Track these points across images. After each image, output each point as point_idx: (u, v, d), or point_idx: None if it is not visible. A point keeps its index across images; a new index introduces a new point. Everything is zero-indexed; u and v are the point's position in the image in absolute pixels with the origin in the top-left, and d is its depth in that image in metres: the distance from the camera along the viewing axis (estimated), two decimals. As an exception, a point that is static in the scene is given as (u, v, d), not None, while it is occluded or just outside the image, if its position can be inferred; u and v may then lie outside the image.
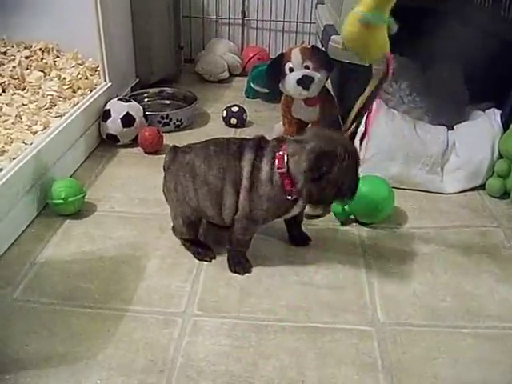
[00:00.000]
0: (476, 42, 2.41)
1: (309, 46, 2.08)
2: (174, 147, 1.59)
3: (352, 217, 1.78)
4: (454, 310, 1.43)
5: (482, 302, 1.45)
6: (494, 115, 2.13)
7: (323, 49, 2.15)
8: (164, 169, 1.59)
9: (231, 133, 2.40)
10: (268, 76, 2.12)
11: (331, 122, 2.12)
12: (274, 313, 1.40)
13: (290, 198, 1.44)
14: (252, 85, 2.73)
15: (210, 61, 3.01)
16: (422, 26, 2.75)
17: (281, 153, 1.43)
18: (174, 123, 2.38)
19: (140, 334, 1.32)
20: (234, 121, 2.44)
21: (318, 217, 1.80)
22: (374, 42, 1.45)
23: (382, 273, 1.54)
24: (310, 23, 3.16)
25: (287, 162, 1.42)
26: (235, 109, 2.45)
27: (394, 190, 1.79)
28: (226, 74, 3.04)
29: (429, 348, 1.31)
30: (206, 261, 1.58)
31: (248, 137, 1.55)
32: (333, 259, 1.60)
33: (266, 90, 2.68)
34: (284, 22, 3.22)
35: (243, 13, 3.21)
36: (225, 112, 2.46)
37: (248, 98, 2.80)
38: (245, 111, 2.46)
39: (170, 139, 2.27)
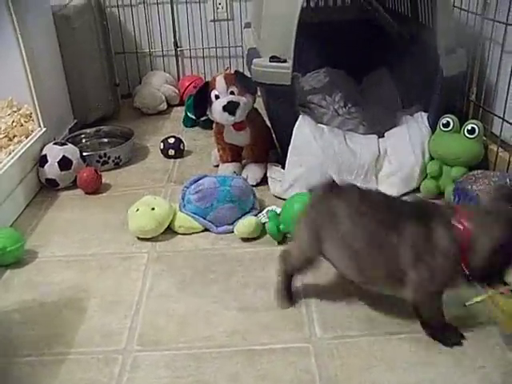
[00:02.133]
0: (402, 49, 2.48)
1: (232, 72, 2.11)
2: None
3: (289, 235, 1.79)
4: (388, 317, 1.45)
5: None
6: (422, 118, 2.18)
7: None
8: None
9: (170, 164, 2.42)
10: (195, 106, 2.15)
11: (264, 142, 2.16)
12: (212, 340, 1.41)
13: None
14: (189, 114, 2.76)
15: (147, 94, 3.04)
16: (351, 37, 2.82)
17: (464, 221, 1.27)
18: (113, 161, 2.39)
19: (80, 375, 1.32)
20: (171, 152, 2.46)
21: (254, 239, 1.81)
22: None
23: (319, 288, 1.56)
24: (242, 47, 3.19)
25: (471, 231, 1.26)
26: (172, 140, 2.47)
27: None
28: (164, 106, 3.07)
29: (366, 357, 1.33)
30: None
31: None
32: (271, 279, 1.61)
33: (203, 118, 2.70)
34: (216, 48, 3.26)
35: (176, 43, 3.24)
36: (162, 144, 2.48)
37: (186, 127, 2.83)
38: (182, 141, 2.49)
39: (109, 177, 2.29)
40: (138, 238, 1.85)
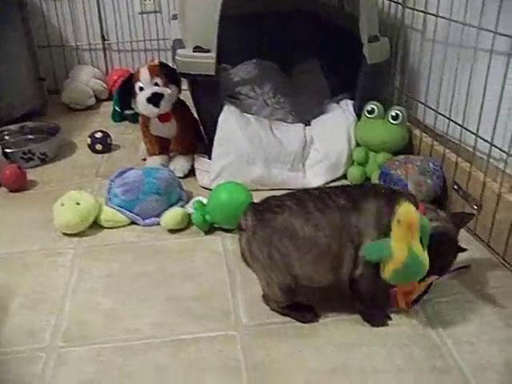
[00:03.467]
0: (330, 39, 2.50)
1: (157, 63, 2.09)
2: (254, 205, 1.38)
3: (216, 225, 1.79)
4: (315, 302, 1.46)
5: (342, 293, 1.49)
6: (347, 106, 2.21)
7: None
8: (243, 231, 1.36)
9: (98, 159, 2.39)
10: (120, 99, 2.13)
11: (190, 134, 2.15)
12: (139, 332, 1.40)
13: None
14: (117, 108, 2.73)
15: (75, 89, 2.99)
16: (279, 28, 2.83)
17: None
18: (39, 157, 2.34)
19: (1, 376, 1.29)
20: (99, 147, 2.43)
21: (181, 230, 1.81)
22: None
23: (245, 277, 1.55)
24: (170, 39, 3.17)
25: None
26: (99, 135, 2.44)
27: (257, 192, 1.81)
28: (92, 101, 3.02)
29: (292, 343, 1.34)
30: (314, 321, 1.41)
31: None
32: (198, 270, 1.62)
33: (132, 112, 2.67)
34: (144, 41, 3.22)
35: (103, 37, 3.20)
36: (89, 139, 2.45)
37: (115, 121, 2.78)
38: (109, 136, 2.45)
39: (35, 174, 2.24)
40: (64, 234, 1.82)
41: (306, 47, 2.82)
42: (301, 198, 1.35)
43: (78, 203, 1.81)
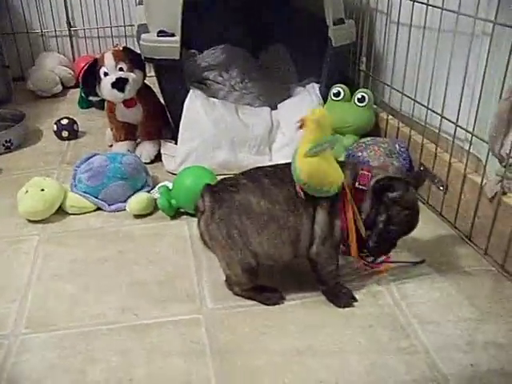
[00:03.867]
0: (296, 23, 2.49)
1: (121, 48, 2.07)
2: (210, 187, 1.36)
3: (182, 210, 1.78)
4: (280, 285, 1.46)
5: (308, 273, 1.49)
6: (314, 89, 2.20)
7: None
8: (201, 213, 1.35)
9: (64, 146, 2.36)
10: (84, 83, 2.10)
11: (156, 119, 2.13)
12: (102, 317, 1.39)
13: None
14: (83, 95, 2.70)
15: (41, 76, 2.96)
16: (247, 12, 2.81)
17: (365, 172, 1.33)
18: (4, 145, 2.31)
19: (-39, 363, 1.27)
20: (65, 133, 2.41)
21: (147, 215, 1.79)
22: (330, 167, 1.29)
23: (211, 261, 1.53)
24: (136, 25, 3.14)
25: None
26: (65, 121, 2.42)
27: (224, 176, 1.78)
28: (58, 88, 2.99)
29: (257, 325, 1.34)
30: (279, 303, 1.41)
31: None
32: (163, 254, 1.61)
33: (98, 98, 2.64)
34: (111, 27, 3.20)
35: (69, 23, 3.17)
36: (55, 126, 2.42)
37: (82, 108, 2.77)
38: (75, 122, 2.43)
39: (0, 162, 2.21)
40: (29, 221, 1.80)
41: (274, 31, 2.81)
42: (255, 175, 1.36)
43: (42, 189, 1.79)
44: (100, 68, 2.04)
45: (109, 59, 2.03)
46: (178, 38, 1.92)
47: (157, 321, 1.36)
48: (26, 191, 1.80)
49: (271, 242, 1.32)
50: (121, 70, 2.03)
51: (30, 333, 1.35)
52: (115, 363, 1.25)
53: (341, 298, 1.40)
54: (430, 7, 1.72)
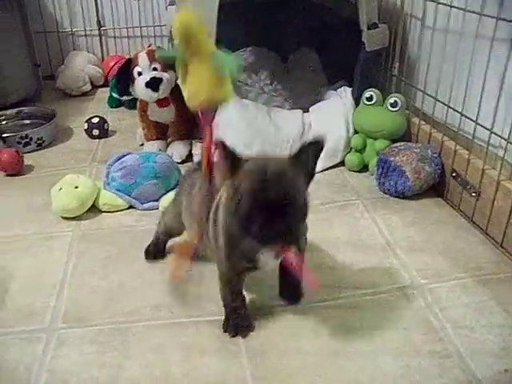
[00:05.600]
0: (327, 26, 2.50)
1: (155, 48, 2.09)
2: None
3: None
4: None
5: (341, 274, 1.50)
6: (345, 93, 2.21)
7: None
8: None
9: (95, 144, 2.38)
10: (118, 83, 2.12)
11: (188, 119, 2.14)
12: (137, 314, 1.40)
13: None
14: (113, 94, 2.72)
15: (70, 75, 2.98)
16: (276, 16, 2.82)
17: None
18: (36, 142, 2.34)
19: (2, 357, 1.28)
20: (96, 132, 2.42)
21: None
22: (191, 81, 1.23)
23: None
24: (166, 26, 3.15)
25: None
26: (96, 120, 2.43)
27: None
28: (88, 87, 3.01)
29: (291, 326, 1.34)
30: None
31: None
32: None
33: (128, 98, 2.67)
34: (141, 27, 3.21)
35: (99, 23, 3.19)
36: (86, 124, 2.44)
37: (111, 107, 2.79)
38: (106, 121, 2.45)
39: (32, 159, 2.24)
40: (62, 218, 1.82)
41: (303, 34, 2.81)
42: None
43: (76, 187, 1.81)
44: (134, 67, 2.06)
45: (143, 59, 2.05)
46: (212, 39, 1.92)
47: (192, 320, 1.37)
48: (60, 188, 1.81)
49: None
50: (155, 69, 2.04)
51: (67, 328, 1.36)
52: (152, 360, 1.26)
53: (233, 326, 1.33)
54: (467, 13, 1.71)
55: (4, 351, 1.30)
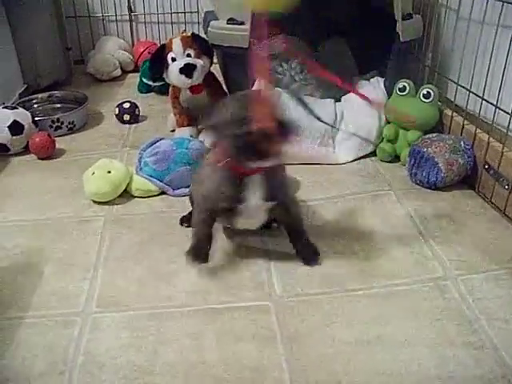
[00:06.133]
0: (359, 15, 2.48)
1: (189, 34, 2.09)
2: None
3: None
4: (347, 274, 1.47)
5: (374, 264, 1.50)
6: (378, 83, 2.20)
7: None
8: None
9: (125, 129, 2.39)
10: (151, 69, 2.13)
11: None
12: (172, 300, 1.41)
13: None
14: (144, 79, 2.73)
15: (101, 60, 2.99)
16: (307, 4, 2.80)
17: None
18: (67, 126, 2.35)
19: (38, 338, 1.30)
20: (127, 117, 2.43)
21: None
22: None
23: (278, 249, 1.57)
24: (198, 12, 3.16)
25: None
26: (127, 105, 2.44)
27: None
28: (118, 72, 3.02)
29: (325, 314, 1.35)
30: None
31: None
32: (227, 241, 1.63)
33: (158, 84, 2.67)
34: (171, 13, 3.21)
35: (130, 8, 3.19)
36: (117, 109, 2.45)
37: (141, 93, 2.80)
38: (137, 106, 2.46)
39: (63, 143, 2.25)
40: (94, 202, 1.83)
41: (333, 23, 2.79)
42: None
43: (109, 172, 1.82)
44: (168, 53, 2.06)
45: (177, 45, 2.05)
46: (247, 26, 1.93)
47: (227, 306, 1.38)
48: (93, 173, 1.82)
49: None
50: (188, 56, 2.05)
51: (102, 312, 1.38)
52: (187, 345, 1.27)
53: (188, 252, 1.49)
54: (505, 4, 1.69)
55: (40, 332, 1.32)
